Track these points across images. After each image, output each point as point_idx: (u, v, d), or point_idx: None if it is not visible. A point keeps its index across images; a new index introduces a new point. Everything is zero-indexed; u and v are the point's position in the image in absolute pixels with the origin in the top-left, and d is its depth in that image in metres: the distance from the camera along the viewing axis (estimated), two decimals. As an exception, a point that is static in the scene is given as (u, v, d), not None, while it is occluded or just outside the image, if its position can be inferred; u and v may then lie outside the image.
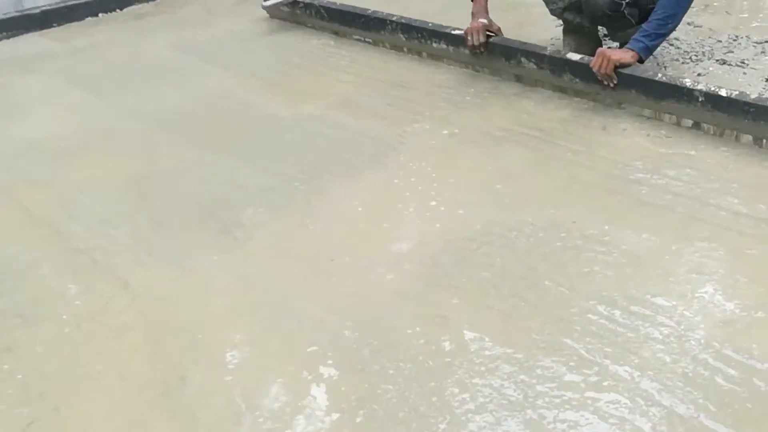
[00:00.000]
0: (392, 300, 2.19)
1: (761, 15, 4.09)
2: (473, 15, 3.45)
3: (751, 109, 2.70)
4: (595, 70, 3.07)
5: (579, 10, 3.41)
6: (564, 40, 3.61)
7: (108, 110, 3.62)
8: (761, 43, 3.67)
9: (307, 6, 4.40)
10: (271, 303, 2.21)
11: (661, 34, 3.06)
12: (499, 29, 3.47)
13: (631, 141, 2.89)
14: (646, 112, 3.04)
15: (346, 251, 2.41)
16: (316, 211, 2.64)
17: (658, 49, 3.45)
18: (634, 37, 3.08)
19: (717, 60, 3.51)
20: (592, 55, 3.09)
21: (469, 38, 3.42)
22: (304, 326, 2.11)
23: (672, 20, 3.03)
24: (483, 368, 1.92)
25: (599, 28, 3.58)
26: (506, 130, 3.06)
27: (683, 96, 2.88)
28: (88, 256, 2.50)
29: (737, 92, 2.77)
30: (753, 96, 2.74)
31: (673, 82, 2.92)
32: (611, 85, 3.06)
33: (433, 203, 2.63)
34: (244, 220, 2.61)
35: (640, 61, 3.05)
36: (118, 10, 5.26)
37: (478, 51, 3.44)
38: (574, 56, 3.21)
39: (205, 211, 2.69)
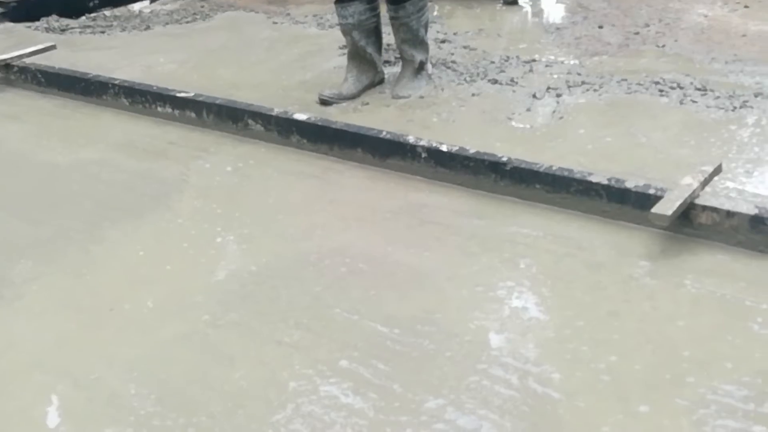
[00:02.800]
0: (175, 347, 2.10)
1: (529, 37, 4.35)
2: None
3: (471, 163, 2.74)
4: None
5: (365, 32, 3.51)
6: (347, 67, 3.64)
7: None
8: (529, 62, 3.89)
9: (22, 71, 4.06)
10: (42, 364, 2.07)
11: None
12: None
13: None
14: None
15: (127, 299, 2.31)
16: (95, 261, 2.51)
17: (436, 72, 3.61)
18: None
19: (489, 80, 3.68)
20: (371, 83, 3.16)
21: None
22: (80, 385, 1.99)
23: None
24: (275, 404, 1.88)
25: None
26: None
27: (407, 152, 2.86)
28: None
29: (457, 147, 2.79)
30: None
31: (396, 139, 2.90)
32: None
33: (219, 240, 2.58)
34: (13, 276, 2.45)
35: None
36: None
37: None
38: (302, 116, 3.14)
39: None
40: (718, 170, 2.50)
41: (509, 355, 1.98)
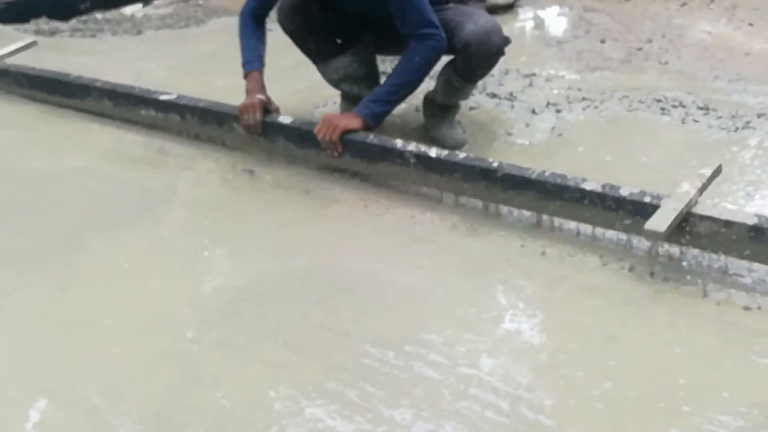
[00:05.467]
0: (158, 364, 2.03)
1: (529, 49, 4.30)
2: (248, 91, 3.06)
3: (460, 169, 2.63)
4: (319, 137, 2.84)
5: (356, 80, 3.23)
6: (341, 106, 3.44)
7: None
8: (528, 76, 3.84)
9: (2, 73, 3.94)
10: (20, 379, 2.00)
11: (392, 102, 2.89)
12: (277, 108, 3.11)
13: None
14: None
15: (109, 313, 2.24)
16: (77, 273, 2.44)
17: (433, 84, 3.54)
18: (362, 101, 2.90)
19: (488, 93, 3.62)
20: None
21: (245, 116, 3.03)
22: (59, 401, 1.92)
23: (404, 89, 2.89)
24: (259, 425, 1.82)
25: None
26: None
27: (395, 158, 2.76)
28: None
29: (446, 152, 2.69)
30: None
31: (384, 144, 2.79)
32: (335, 154, 2.85)
33: (205, 254, 2.51)
34: (-7, 287, 2.38)
35: (367, 128, 2.85)
36: None
37: (256, 132, 3.05)
38: (286, 119, 3.01)
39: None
40: (717, 172, 2.38)
41: (501, 379, 1.91)
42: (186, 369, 2.01)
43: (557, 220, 2.51)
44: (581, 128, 3.25)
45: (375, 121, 2.88)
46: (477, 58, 2.90)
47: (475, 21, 2.90)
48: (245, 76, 3.08)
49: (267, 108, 3.06)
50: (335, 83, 3.28)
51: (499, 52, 2.94)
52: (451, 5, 3.02)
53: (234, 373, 1.99)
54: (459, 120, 3.23)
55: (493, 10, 4.87)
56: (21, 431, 1.85)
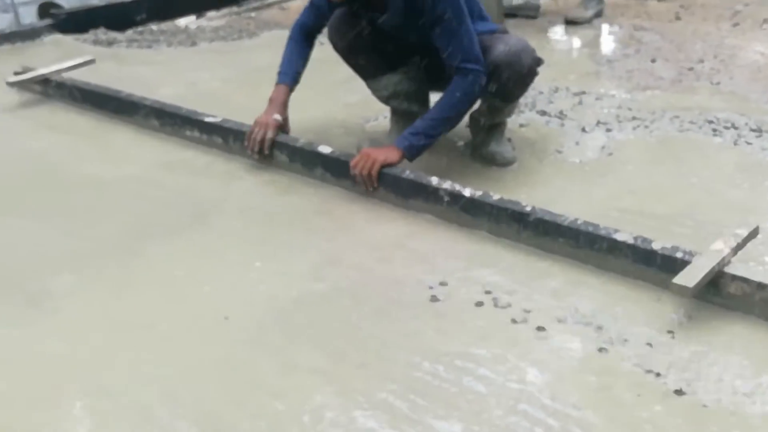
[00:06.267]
0: (212, 368, 2.07)
1: (578, 68, 4.30)
2: (270, 101, 3.14)
3: (493, 211, 2.61)
4: (356, 171, 2.83)
5: (406, 97, 3.24)
6: (391, 120, 3.43)
7: None
8: (578, 94, 3.84)
9: (59, 86, 4.06)
10: (78, 380, 2.05)
11: (432, 135, 2.86)
12: (289, 131, 3.17)
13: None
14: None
15: (164, 318, 2.29)
16: (134, 277, 2.50)
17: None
18: (402, 134, 2.88)
19: (538, 111, 3.64)
20: None
21: (256, 130, 3.09)
22: (113, 401, 1.96)
23: (445, 124, 2.89)
24: (311, 431, 1.84)
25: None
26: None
27: (429, 195, 2.75)
28: None
29: (480, 193, 2.66)
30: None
31: (419, 180, 2.77)
32: (370, 189, 2.84)
33: (258, 264, 2.54)
34: (53, 289, 2.43)
35: (407, 159, 2.86)
36: None
37: (263, 154, 3.11)
38: (326, 149, 3.01)
39: (7, 282, 2.50)
40: (753, 234, 2.30)
41: (549, 396, 1.92)
42: (239, 373, 2.05)
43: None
44: (631, 147, 3.25)
45: (414, 154, 2.86)
46: (509, 79, 2.89)
47: (506, 42, 2.91)
48: (275, 85, 3.14)
49: (282, 129, 3.10)
50: (385, 99, 3.30)
51: (531, 73, 2.94)
52: (496, 35, 3.02)
53: (285, 379, 2.02)
54: (509, 137, 3.24)
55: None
56: (75, 429, 1.89)
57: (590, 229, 2.41)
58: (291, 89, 3.16)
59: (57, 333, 2.25)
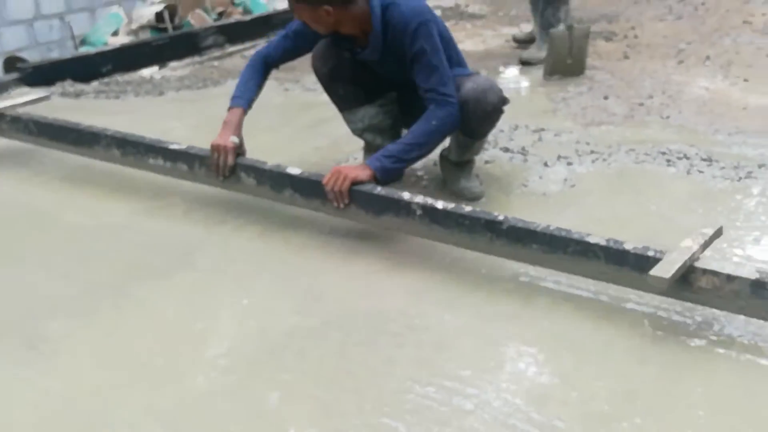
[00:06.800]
0: (210, 400, 2.16)
1: (535, 106, 4.50)
2: (225, 124, 3.15)
3: (466, 221, 2.68)
4: (327, 188, 2.86)
5: (380, 131, 3.38)
6: (364, 158, 3.47)
7: None
8: (537, 131, 4.02)
9: (15, 120, 3.89)
10: (81, 414, 2.12)
11: (404, 160, 2.94)
12: (245, 152, 3.19)
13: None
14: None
15: (159, 354, 2.37)
16: (125, 318, 2.58)
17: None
18: (375, 155, 2.95)
19: (501, 148, 3.80)
20: None
21: (215, 156, 3.11)
22: (118, 436, 2.05)
23: (419, 149, 2.95)
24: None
25: None
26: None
27: (401, 209, 2.79)
28: None
29: (453, 205, 2.74)
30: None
31: (391, 196, 2.81)
32: (341, 205, 2.87)
33: (245, 301, 2.64)
34: (49, 332, 2.50)
35: (377, 181, 2.88)
36: None
37: (222, 174, 3.14)
38: (295, 170, 3.04)
39: (6, 326, 2.56)
40: (718, 233, 2.45)
41: (535, 411, 2.05)
42: (236, 404, 2.14)
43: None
44: (592, 179, 3.43)
45: (385, 176, 2.90)
46: (475, 115, 3.03)
47: (474, 80, 3.07)
48: (228, 109, 3.19)
49: (238, 152, 3.15)
50: (359, 132, 3.41)
51: (496, 110, 3.08)
52: (467, 75, 3.17)
53: (282, 408, 2.12)
54: (476, 173, 3.40)
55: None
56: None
57: (563, 233, 2.50)
58: (245, 112, 3.20)
59: (58, 373, 2.32)
